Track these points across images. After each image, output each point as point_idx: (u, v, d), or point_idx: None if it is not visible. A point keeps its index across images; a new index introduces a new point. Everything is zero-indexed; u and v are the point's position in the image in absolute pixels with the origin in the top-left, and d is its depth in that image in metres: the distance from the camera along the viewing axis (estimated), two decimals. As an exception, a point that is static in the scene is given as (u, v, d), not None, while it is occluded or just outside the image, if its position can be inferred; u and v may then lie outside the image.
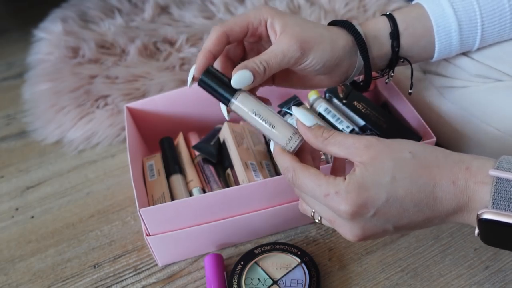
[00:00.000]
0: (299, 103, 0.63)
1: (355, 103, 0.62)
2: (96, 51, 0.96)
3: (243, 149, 0.60)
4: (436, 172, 0.38)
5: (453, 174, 0.37)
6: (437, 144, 0.55)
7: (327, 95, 0.64)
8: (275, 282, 0.52)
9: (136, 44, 0.96)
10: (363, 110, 0.61)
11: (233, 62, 0.49)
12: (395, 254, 0.56)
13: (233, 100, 0.44)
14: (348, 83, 0.54)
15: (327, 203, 0.39)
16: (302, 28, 0.46)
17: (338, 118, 0.60)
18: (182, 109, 0.68)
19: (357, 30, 0.49)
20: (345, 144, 0.40)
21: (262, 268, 0.53)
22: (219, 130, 0.66)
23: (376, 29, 0.50)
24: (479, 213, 0.36)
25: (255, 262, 0.54)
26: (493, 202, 0.35)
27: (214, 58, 0.46)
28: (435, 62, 0.59)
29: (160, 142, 0.67)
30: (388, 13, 0.51)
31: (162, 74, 0.88)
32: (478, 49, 0.54)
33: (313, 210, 0.43)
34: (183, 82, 0.86)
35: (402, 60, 0.52)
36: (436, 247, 0.56)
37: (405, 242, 0.57)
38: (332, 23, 0.51)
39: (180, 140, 0.67)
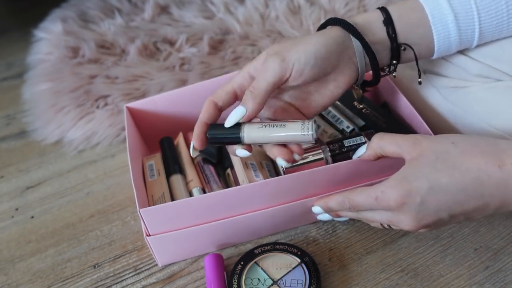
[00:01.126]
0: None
1: (355, 103, 0.62)
2: (96, 51, 0.96)
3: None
4: (479, 158, 0.38)
5: (498, 159, 0.38)
6: (437, 144, 0.55)
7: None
8: (275, 282, 0.52)
9: (136, 44, 0.96)
10: (363, 110, 0.61)
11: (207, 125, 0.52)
12: (395, 254, 0.56)
13: (242, 135, 0.47)
14: (359, 84, 0.54)
15: (379, 205, 0.43)
16: (279, 45, 0.48)
17: (338, 119, 0.60)
18: (182, 109, 0.68)
19: (343, 19, 0.49)
20: (397, 142, 0.44)
21: (262, 268, 0.53)
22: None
23: (366, 18, 0.51)
24: None
25: (255, 262, 0.54)
26: None
27: (207, 127, 0.50)
28: (435, 62, 0.59)
29: (160, 142, 0.67)
30: (380, 7, 0.52)
31: (162, 74, 0.88)
32: (478, 47, 0.54)
33: (381, 223, 0.47)
34: (183, 82, 0.86)
35: (403, 47, 0.52)
36: (436, 247, 0.56)
37: (405, 242, 0.57)
38: (319, 29, 0.52)
39: (180, 140, 0.67)
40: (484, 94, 0.56)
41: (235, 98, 0.50)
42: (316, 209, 0.53)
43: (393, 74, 0.54)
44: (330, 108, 0.61)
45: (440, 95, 0.61)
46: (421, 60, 0.55)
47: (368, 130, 0.59)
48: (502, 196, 0.38)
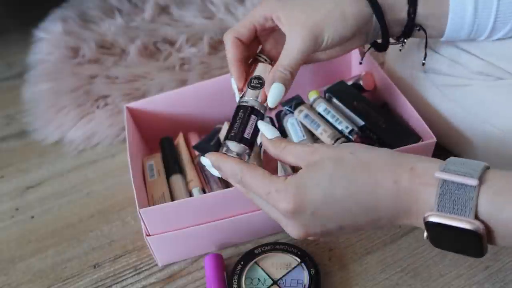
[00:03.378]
0: (299, 103, 0.63)
1: (355, 103, 0.62)
2: (96, 51, 0.96)
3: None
4: (377, 172, 0.37)
5: (395, 174, 0.37)
6: (437, 144, 0.55)
7: (327, 95, 0.64)
8: (275, 282, 0.52)
9: (136, 44, 0.96)
10: (362, 110, 0.61)
11: (247, 62, 0.51)
12: (395, 254, 0.56)
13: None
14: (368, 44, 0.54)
15: (268, 200, 0.40)
16: (307, 14, 0.47)
17: (338, 119, 0.60)
18: (182, 109, 0.68)
19: None
20: (295, 152, 0.42)
21: (262, 268, 0.53)
22: (219, 130, 0.66)
23: None
24: (425, 215, 0.35)
25: (255, 262, 0.54)
26: (438, 205, 0.34)
27: (243, 62, 0.48)
28: (436, 60, 0.59)
29: (160, 142, 0.67)
30: None
31: (162, 74, 0.88)
32: (479, 45, 0.54)
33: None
34: (183, 82, 0.86)
35: (418, 28, 0.51)
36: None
37: (405, 242, 0.57)
38: None
39: (180, 140, 0.67)
40: (485, 93, 0.56)
41: (255, 34, 0.50)
42: (204, 161, 0.46)
43: (399, 48, 0.54)
44: (329, 108, 0.61)
45: (441, 94, 0.61)
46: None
47: (368, 131, 0.59)
48: (395, 210, 0.37)
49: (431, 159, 0.38)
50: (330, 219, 0.39)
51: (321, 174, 0.38)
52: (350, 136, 0.59)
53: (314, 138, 0.61)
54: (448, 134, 0.61)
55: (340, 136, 0.59)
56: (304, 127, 0.62)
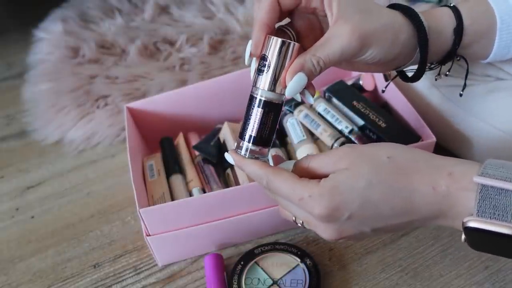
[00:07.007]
0: (299, 103, 0.63)
1: (355, 103, 0.62)
2: (96, 51, 0.96)
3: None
4: (414, 177, 0.37)
5: (433, 180, 0.36)
6: (437, 144, 0.55)
7: (326, 94, 0.64)
8: (275, 282, 0.52)
9: (136, 44, 0.96)
10: (362, 110, 0.61)
11: (271, 29, 0.42)
12: (395, 254, 0.56)
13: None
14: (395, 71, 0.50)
15: (302, 206, 0.39)
16: (363, 17, 0.41)
17: (337, 118, 0.60)
18: (182, 109, 0.68)
19: (423, 25, 0.44)
20: (322, 165, 0.40)
21: (262, 268, 0.53)
22: (219, 130, 0.66)
23: (441, 24, 0.46)
24: (464, 220, 0.35)
25: (255, 262, 0.54)
26: (478, 210, 0.34)
27: (270, 30, 0.41)
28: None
29: (160, 142, 0.67)
30: (451, 5, 0.47)
31: (162, 74, 0.88)
32: None
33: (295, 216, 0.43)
34: (183, 82, 0.86)
35: (458, 58, 0.48)
36: (436, 247, 0.56)
37: (405, 242, 0.57)
38: (395, 6, 0.45)
39: (180, 140, 0.67)
40: (485, 94, 0.56)
41: (297, 5, 0.42)
42: (228, 157, 0.44)
43: (436, 77, 0.51)
44: (329, 108, 0.61)
45: (441, 94, 0.61)
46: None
47: (367, 130, 0.59)
48: (431, 214, 0.37)
49: (468, 161, 0.38)
50: (365, 222, 0.38)
51: (357, 178, 0.37)
52: (350, 136, 0.59)
53: (314, 138, 0.62)
54: (448, 134, 0.61)
55: (340, 136, 0.59)
56: (304, 127, 0.62)
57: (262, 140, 0.42)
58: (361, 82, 0.66)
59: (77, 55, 0.96)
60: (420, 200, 0.37)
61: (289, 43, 0.40)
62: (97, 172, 0.72)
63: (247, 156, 0.43)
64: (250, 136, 0.42)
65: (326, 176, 0.39)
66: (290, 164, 0.43)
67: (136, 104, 0.66)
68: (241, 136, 0.43)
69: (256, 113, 0.42)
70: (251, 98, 0.42)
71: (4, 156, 0.78)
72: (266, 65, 0.41)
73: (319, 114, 0.62)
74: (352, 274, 0.54)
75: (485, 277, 0.52)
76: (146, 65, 0.92)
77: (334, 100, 0.63)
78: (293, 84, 0.40)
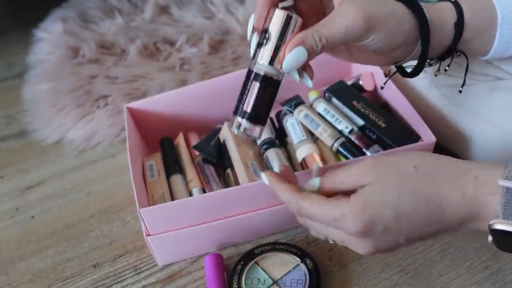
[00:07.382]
0: (299, 103, 0.63)
1: (355, 103, 0.62)
2: (96, 51, 0.96)
3: (243, 149, 0.60)
4: (442, 184, 0.38)
5: (461, 185, 0.37)
6: (437, 144, 0.55)
7: (326, 94, 0.64)
8: (275, 282, 0.52)
9: (136, 44, 0.96)
10: (362, 110, 0.61)
11: (274, 4, 0.42)
12: (395, 254, 0.56)
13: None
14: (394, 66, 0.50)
15: (336, 226, 0.39)
16: (369, 1, 0.41)
17: (337, 118, 0.60)
18: (182, 109, 0.68)
19: (426, 17, 0.44)
20: (348, 181, 0.40)
21: (262, 268, 0.53)
22: (219, 130, 0.66)
23: (442, 18, 0.46)
24: (490, 223, 0.36)
25: (255, 262, 0.54)
26: (503, 213, 0.35)
27: (274, 4, 0.40)
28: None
29: (160, 142, 0.67)
30: (453, 0, 0.47)
31: (162, 74, 0.88)
32: None
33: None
34: (183, 82, 0.86)
35: (458, 53, 0.48)
36: (436, 247, 0.56)
37: (405, 242, 0.57)
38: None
39: (180, 140, 0.67)
40: (485, 93, 0.56)
41: None
42: (264, 177, 0.45)
43: (435, 73, 0.51)
44: (329, 108, 0.61)
45: (441, 94, 0.61)
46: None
47: (367, 130, 0.59)
48: (460, 219, 0.38)
49: (493, 164, 0.38)
50: (399, 233, 0.39)
51: (387, 191, 0.38)
52: (350, 136, 0.59)
53: (314, 138, 0.62)
54: (448, 134, 0.61)
55: (340, 136, 0.59)
56: (304, 127, 0.62)
57: (256, 117, 0.41)
58: (361, 82, 0.66)
59: (77, 55, 0.96)
60: (451, 206, 0.37)
61: (293, 17, 0.39)
62: (97, 172, 0.72)
63: (237, 133, 0.42)
64: (245, 112, 0.41)
65: (353, 190, 0.39)
66: (315, 182, 0.43)
67: (136, 104, 0.66)
68: (235, 111, 0.41)
69: (253, 88, 0.40)
70: (249, 72, 0.41)
71: (4, 156, 0.78)
72: (267, 38, 0.39)
73: (319, 114, 0.62)
74: (352, 274, 0.54)
75: (485, 277, 0.53)
76: (146, 65, 0.92)
77: (334, 100, 0.63)
78: (291, 57, 0.39)
